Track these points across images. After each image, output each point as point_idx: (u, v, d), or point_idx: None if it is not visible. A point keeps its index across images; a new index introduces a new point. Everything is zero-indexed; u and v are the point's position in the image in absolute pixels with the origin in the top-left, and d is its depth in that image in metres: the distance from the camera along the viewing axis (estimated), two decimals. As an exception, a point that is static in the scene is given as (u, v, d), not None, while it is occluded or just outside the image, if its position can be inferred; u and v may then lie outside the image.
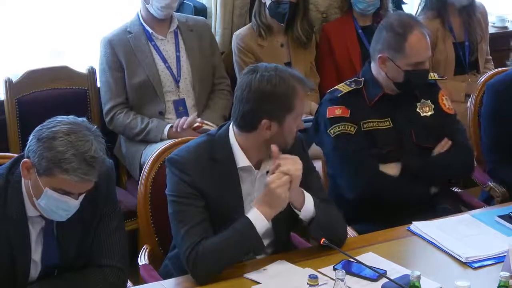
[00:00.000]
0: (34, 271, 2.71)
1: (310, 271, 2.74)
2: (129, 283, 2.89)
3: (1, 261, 2.63)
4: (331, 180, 3.60)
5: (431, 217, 3.22)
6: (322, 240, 2.80)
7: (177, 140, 3.34)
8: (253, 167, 2.89)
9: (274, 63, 2.93)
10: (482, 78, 4.21)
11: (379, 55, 3.41)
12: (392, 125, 3.46)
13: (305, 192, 2.88)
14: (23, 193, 2.63)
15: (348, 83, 3.50)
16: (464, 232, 3.10)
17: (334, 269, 2.71)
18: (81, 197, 2.58)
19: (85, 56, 4.69)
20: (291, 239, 3.16)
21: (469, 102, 4.31)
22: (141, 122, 4.20)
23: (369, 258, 2.85)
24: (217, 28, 4.76)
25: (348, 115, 3.41)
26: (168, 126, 4.17)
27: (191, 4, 4.77)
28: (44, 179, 2.52)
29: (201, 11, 4.78)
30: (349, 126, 3.41)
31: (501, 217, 3.21)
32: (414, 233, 3.11)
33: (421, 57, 3.38)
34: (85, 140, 2.50)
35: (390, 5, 4.79)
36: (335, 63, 4.74)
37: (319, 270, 2.78)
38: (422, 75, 3.44)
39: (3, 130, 4.19)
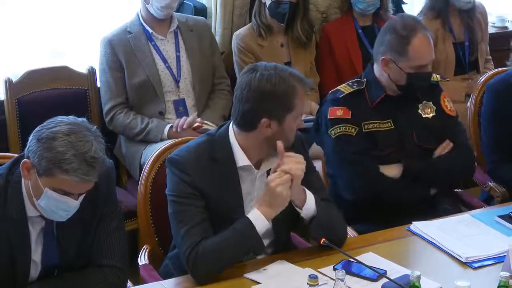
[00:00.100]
0: (34, 271, 2.71)
1: (310, 271, 2.74)
2: (129, 283, 2.89)
3: (1, 261, 2.63)
4: (331, 180, 3.60)
5: (431, 217, 3.22)
6: (322, 240, 2.80)
7: (177, 140, 3.34)
8: (253, 167, 2.89)
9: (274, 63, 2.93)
10: (482, 78, 4.21)
11: (382, 57, 3.40)
12: (393, 127, 3.46)
13: (306, 190, 2.88)
14: (23, 193, 2.63)
15: (350, 83, 3.50)
16: (464, 232, 3.10)
17: (334, 269, 2.71)
18: (81, 198, 2.58)
19: (85, 56, 4.69)
20: (291, 239, 3.16)
21: (469, 102, 4.31)
22: (141, 122, 4.20)
23: (369, 258, 2.85)
24: (217, 28, 4.76)
25: (350, 117, 3.41)
26: (168, 126, 4.17)
27: (191, 4, 4.77)
28: (44, 179, 2.52)
29: (201, 11, 4.78)
30: (350, 128, 3.41)
31: (501, 217, 3.21)
32: (414, 233, 3.10)
33: (424, 61, 3.38)
34: (85, 140, 2.50)
35: (390, 5, 4.79)
36: (335, 63, 4.74)
37: (319, 270, 2.78)
38: (425, 78, 3.43)
39: (3, 130, 4.19)
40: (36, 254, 2.69)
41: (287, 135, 2.84)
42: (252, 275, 2.79)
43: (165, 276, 2.97)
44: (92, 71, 4.38)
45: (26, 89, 4.24)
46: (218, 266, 2.77)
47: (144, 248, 3.17)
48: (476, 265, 2.87)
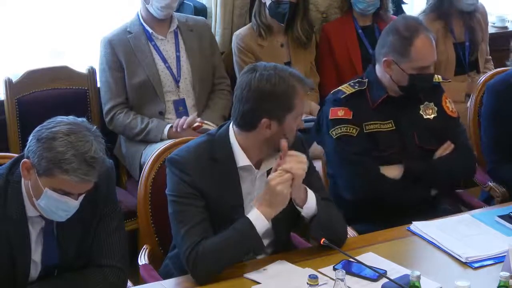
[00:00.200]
0: (34, 271, 2.71)
1: (310, 271, 2.74)
2: (129, 283, 2.89)
3: (1, 261, 2.63)
4: (331, 180, 3.60)
5: (431, 217, 3.22)
6: (322, 240, 2.80)
7: (177, 140, 3.34)
8: (253, 167, 2.89)
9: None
10: (482, 78, 4.21)
11: (384, 59, 3.39)
12: (394, 127, 3.46)
13: (308, 189, 2.88)
14: (23, 193, 2.63)
15: (352, 84, 3.49)
16: (464, 232, 3.10)
17: (334, 269, 2.71)
18: (81, 198, 2.58)
19: (85, 56, 4.69)
20: (291, 239, 3.16)
21: (469, 102, 4.31)
22: (141, 122, 4.20)
23: (369, 258, 2.85)
24: (217, 28, 4.76)
25: (351, 117, 3.41)
26: (168, 126, 4.17)
27: (191, 4, 4.77)
28: (44, 179, 2.52)
29: (201, 11, 4.78)
30: (351, 128, 3.41)
31: (501, 217, 3.21)
32: (414, 233, 3.10)
33: (426, 62, 3.37)
34: (85, 140, 2.50)
35: (390, 5, 4.79)
36: (335, 63, 4.74)
37: (319, 270, 2.78)
38: (427, 79, 3.43)
39: (3, 130, 4.19)
40: (36, 254, 2.69)
41: (287, 135, 2.83)
42: (252, 275, 2.79)
43: (165, 276, 2.97)
44: (92, 71, 4.38)
45: (26, 89, 4.24)
46: (218, 266, 2.77)
47: (144, 248, 3.17)
48: (476, 265, 2.87)
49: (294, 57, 4.62)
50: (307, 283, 2.52)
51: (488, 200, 3.88)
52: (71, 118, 2.58)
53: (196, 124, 4.13)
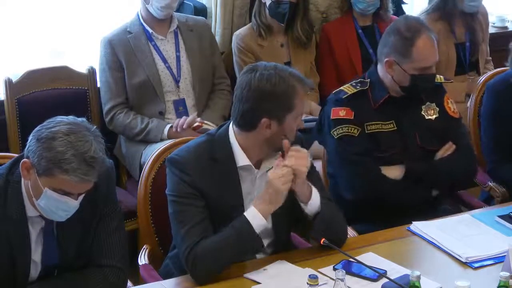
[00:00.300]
0: (34, 271, 2.71)
1: (310, 271, 2.74)
2: (129, 283, 2.88)
3: (1, 261, 2.63)
4: (332, 180, 3.60)
5: (431, 217, 3.22)
6: (322, 240, 2.80)
7: (177, 140, 3.34)
8: (253, 166, 2.89)
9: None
10: (482, 78, 4.21)
11: (386, 59, 3.39)
12: (396, 128, 3.45)
13: (312, 186, 2.88)
14: (23, 193, 2.62)
15: (353, 84, 3.49)
16: (464, 232, 3.10)
17: (334, 269, 2.71)
18: (81, 198, 2.58)
19: (85, 56, 4.69)
20: (291, 239, 3.15)
21: (469, 102, 4.31)
22: (141, 122, 4.20)
23: (369, 258, 2.85)
24: (217, 28, 4.76)
25: (352, 117, 3.41)
26: (168, 126, 4.17)
27: (191, 4, 4.77)
28: (43, 179, 2.52)
29: (201, 11, 4.78)
30: (353, 128, 3.41)
31: (501, 217, 3.21)
32: (414, 233, 3.11)
33: (428, 62, 3.37)
34: (84, 140, 2.50)
35: (390, 5, 4.79)
36: (335, 63, 4.74)
37: (319, 270, 2.78)
38: (429, 79, 3.42)
39: (3, 130, 4.19)
40: (36, 254, 2.69)
41: (287, 135, 2.83)
42: (252, 275, 2.79)
43: (165, 276, 2.97)
44: (92, 71, 4.38)
45: (26, 89, 4.24)
46: (217, 265, 2.76)
47: (144, 248, 3.17)
48: (476, 265, 2.87)
49: (294, 57, 4.62)
50: (307, 283, 2.52)
51: (488, 200, 3.89)
52: (71, 118, 2.58)
53: (196, 124, 4.13)
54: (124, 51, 4.22)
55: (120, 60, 4.22)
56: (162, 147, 3.27)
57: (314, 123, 3.75)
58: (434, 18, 4.81)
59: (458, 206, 3.70)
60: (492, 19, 5.60)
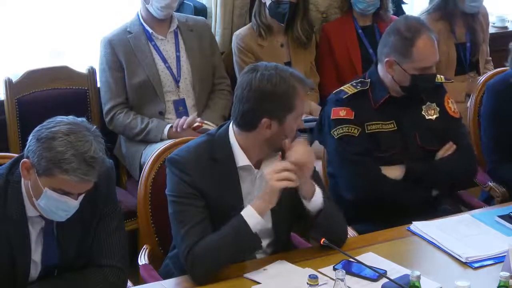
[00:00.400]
0: (34, 271, 2.71)
1: (310, 271, 2.74)
2: (129, 283, 2.89)
3: (1, 261, 2.63)
4: (332, 180, 3.60)
5: (431, 217, 3.22)
6: (322, 240, 2.80)
7: (177, 140, 3.34)
8: (253, 167, 2.89)
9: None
10: (482, 78, 4.21)
11: (386, 59, 3.39)
12: (396, 128, 3.45)
13: (314, 183, 2.88)
14: (23, 193, 2.62)
15: (354, 84, 3.49)
16: (464, 232, 3.10)
17: (334, 269, 2.71)
18: (81, 197, 2.58)
19: (85, 56, 4.69)
20: (291, 239, 3.15)
21: (469, 102, 4.31)
22: (141, 122, 4.20)
23: (369, 258, 2.85)
24: (217, 28, 4.76)
25: (353, 117, 3.41)
26: (168, 126, 4.17)
27: (191, 4, 4.77)
28: (43, 179, 2.52)
29: (201, 11, 4.78)
30: (353, 128, 3.41)
31: (501, 217, 3.21)
32: (414, 233, 3.11)
33: (428, 62, 3.37)
34: (84, 140, 2.50)
35: (390, 5, 4.79)
36: (335, 63, 4.74)
37: (319, 270, 2.78)
38: (429, 79, 3.42)
39: (3, 130, 4.19)
40: (36, 254, 2.69)
41: (287, 135, 2.83)
42: (252, 275, 2.79)
43: (165, 276, 2.97)
44: (92, 71, 4.38)
45: (26, 89, 4.24)
46: (215, 264, 2.76)
47: (144, 248, 3.17)
48: (476, 265, 2.88)
49: (294, 57, 4.62)
50: (307, 283, 2.52)
51: (488, 200, 3.89)
52: (70, 118, 2.58)
53: (196, 124, 4.13)
54: (124, 51, 4.22)
55: (120, 60, 4.22)
56: (162, 147, 3.27)
57: (314, 123, 3.75)
58: (435, 18, 4.81)
59: (458, 206, 3.70)
60: (492, 19, 5.60)
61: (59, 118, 2.57)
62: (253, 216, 2.77)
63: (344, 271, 2.48)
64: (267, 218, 2.90)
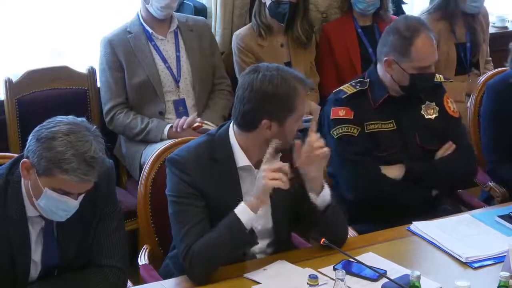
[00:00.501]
0: (34, 271, 2.71)
1: (310, 271, 2.74)
2: (129, 283, 2.89)
3: (1, 261, 2.63)
4: (332, 180, 3.59)
5: (431, 217, 3.22)
6: (322, 240, 2.80)
7: (177, 140, 3.34)
8: (253, 167, 2.89)
9: (274, 63, 2.93)
10: (482, 78, 4.21)
11: (385, 58, 3.39)
12: (396, 127, 3.46)
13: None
14: (23, 193, 2.62)
15: (353, 84, 3.49)
16: (464, 232, 3.10)
17: (334, 269, 2.71)
18: (81, 197, 2.58)
19: (85, 56, 4.69)
20: (291, 239, 3.15)
21: (469, 102, 4.31)
22: (141, 122, 4.20)
23: (369, 258, 2.86)
24: (217, 28, 4.76)
25: (352, 117, 3.41)
26: (168, 126, 4.17)
27: (191, 4, 4.77)
28: (43, 179, 2.52)
29: (201, 11, 4.78)
30: (352, 128, 3.41)
31: (501, 217, 3.21)
32: (414, 233, 3.11)
33: (427, 62, 3.37)
34: (84, 140, 2.50)
35: (390, 5, 4.79)
36: (335, 63, 4.74)
37: (319, 270, 2.78)
38: (428, 79, 3.43)
39: (3, 130, 4.19)
40: (36, 254, 2.69)
41: (287, 136, 2.83)
42: (252, 275, 2.79)
43: (165, 276, 2.97)
44: (92, 71, 4.38)
45: (26, 89, 4.24)
46: (212, 263, 2.76)
47: (144, 248, 3.17)
48: (476, 265, 2.88)
49: (294, 57, 4.61)
50: (307, 283, 2.52)
51: (488, 200, 3.89)
52: (70, 118, 2.58)
53: (196, 124, 4.13)
54: (124, 51, 4.22)
55: (120, 60, 4.22)
56: (162, 147, 3.27)
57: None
58: (435, 18, 4.81)
59: (458, 206, 3.70)
60: (492, 19, 5.60)
61: (59, 118, 2.57)
62: (245, 212, 2.76)
63: (344, 271, 2.48)
64: (267, 218, 2.90)
